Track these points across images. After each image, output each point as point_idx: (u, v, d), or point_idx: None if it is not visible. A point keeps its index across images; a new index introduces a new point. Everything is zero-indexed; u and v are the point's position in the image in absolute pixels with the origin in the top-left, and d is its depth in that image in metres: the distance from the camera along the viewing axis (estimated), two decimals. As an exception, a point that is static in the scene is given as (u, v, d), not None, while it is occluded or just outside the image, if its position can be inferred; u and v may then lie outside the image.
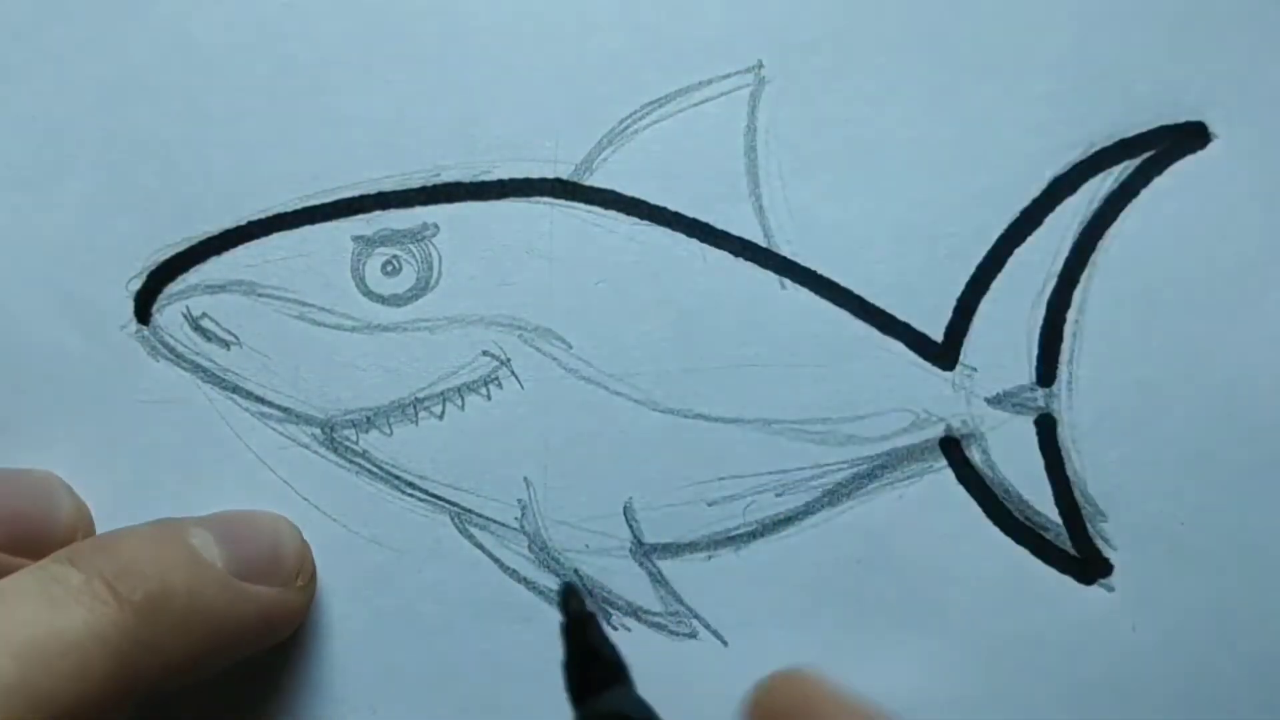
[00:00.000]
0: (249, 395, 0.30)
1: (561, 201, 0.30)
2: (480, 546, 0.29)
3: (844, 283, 0.29)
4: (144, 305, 0.30)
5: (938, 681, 0.29)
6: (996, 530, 0.29)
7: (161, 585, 0.24)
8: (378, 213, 0.30)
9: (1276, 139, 0.28)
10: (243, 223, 0.30)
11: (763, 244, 0.29)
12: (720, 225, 0.29)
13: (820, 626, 0.29)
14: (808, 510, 0.29)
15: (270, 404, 0.30)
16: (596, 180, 0.29)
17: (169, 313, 0.30)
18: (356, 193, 0.30)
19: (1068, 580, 0.29)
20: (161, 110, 0.30)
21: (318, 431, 0.30)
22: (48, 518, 0.28)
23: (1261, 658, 0.28)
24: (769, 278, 0.29)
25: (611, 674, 0.24)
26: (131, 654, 0.24)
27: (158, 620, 0.24)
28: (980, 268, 0.29)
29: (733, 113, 0.29)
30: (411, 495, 0.30)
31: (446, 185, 0.30)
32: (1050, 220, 0.29)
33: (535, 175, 0.30)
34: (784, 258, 0.29)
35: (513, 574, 0.29)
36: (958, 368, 0.29)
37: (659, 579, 0.29)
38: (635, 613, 0.29)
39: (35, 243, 0.30)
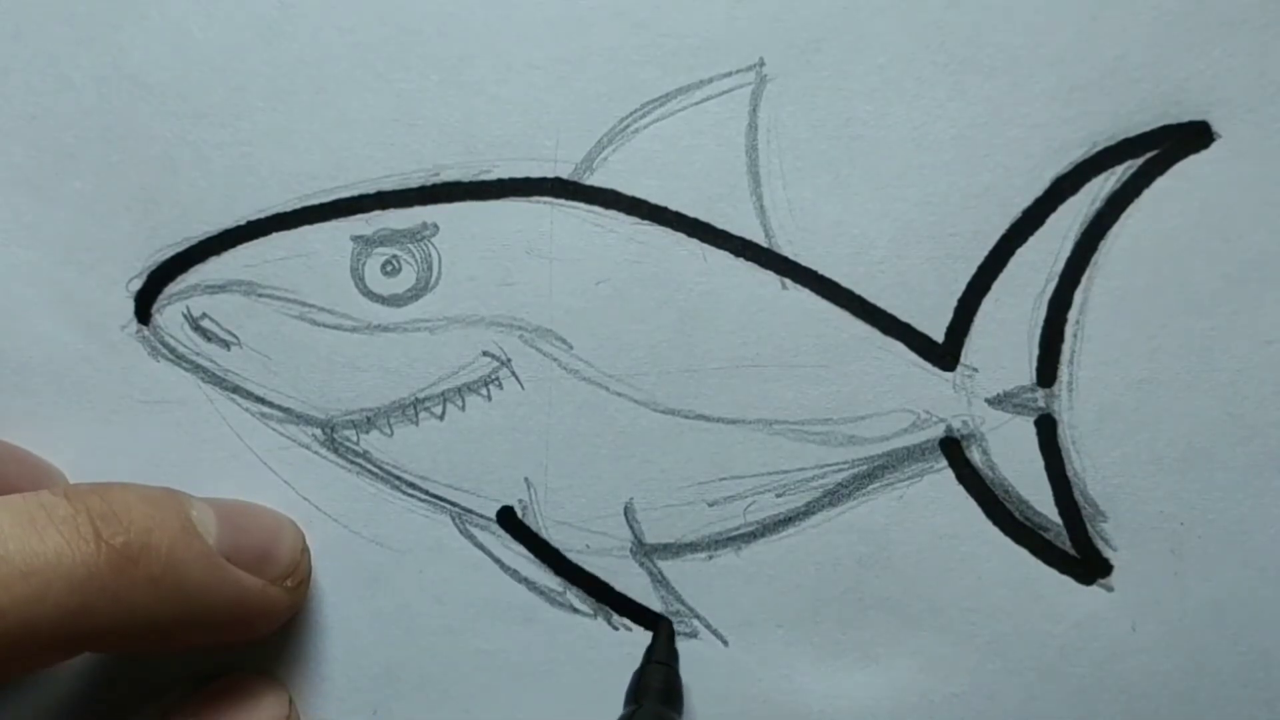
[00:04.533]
0: (249, 395, 0.30)
1: (562, 201, 0.29)
2: (481, 547, 0.30)
3: (845, 283, 0.29)
4: (144, 305, 0.30)
5: (938, 681, 0.29)
6: (996, 530, 0.29)
7: (144, 539, 0.24)
8: (377, 213, 0.30)
9: (1279, 139, 0.28)
10: (242, 223, 0.30)
11: (763, 244, 0.29)
12: (721, 225, 0.29)
13: (820, 626, 0.29)
14: (808, 510, 0.29)
15: (271, 404, 0.30)
16: (597, 180, 0.29)
17: (169, 313, 0.30)
18: (356, 193, 0.30)
19: (1068, 580, 0.29)
20: (161, 110, 0.30)
21: (318, 432, 0.30)
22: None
23: (1261, 658, 0.28)
24: (770, 278, 0.29)
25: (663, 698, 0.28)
26: (93, 597, 0.23)
27: (130, 572, 0.24)
28: (981, 268, 0.29)
29: (734, 111, 0.29)
30: (412, 495, 0.30)
31: (446, 185, 0.29)
32: (1052, 220, 0.29)
33: (535, 175, 0.29)
34: (785, 258, 0.29)
35: (513, 574, 0.30)
36: (958, 368, 0.29)
37: (659, 579, 0.29)
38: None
39: (35, 243, 0.30)
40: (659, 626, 0.29)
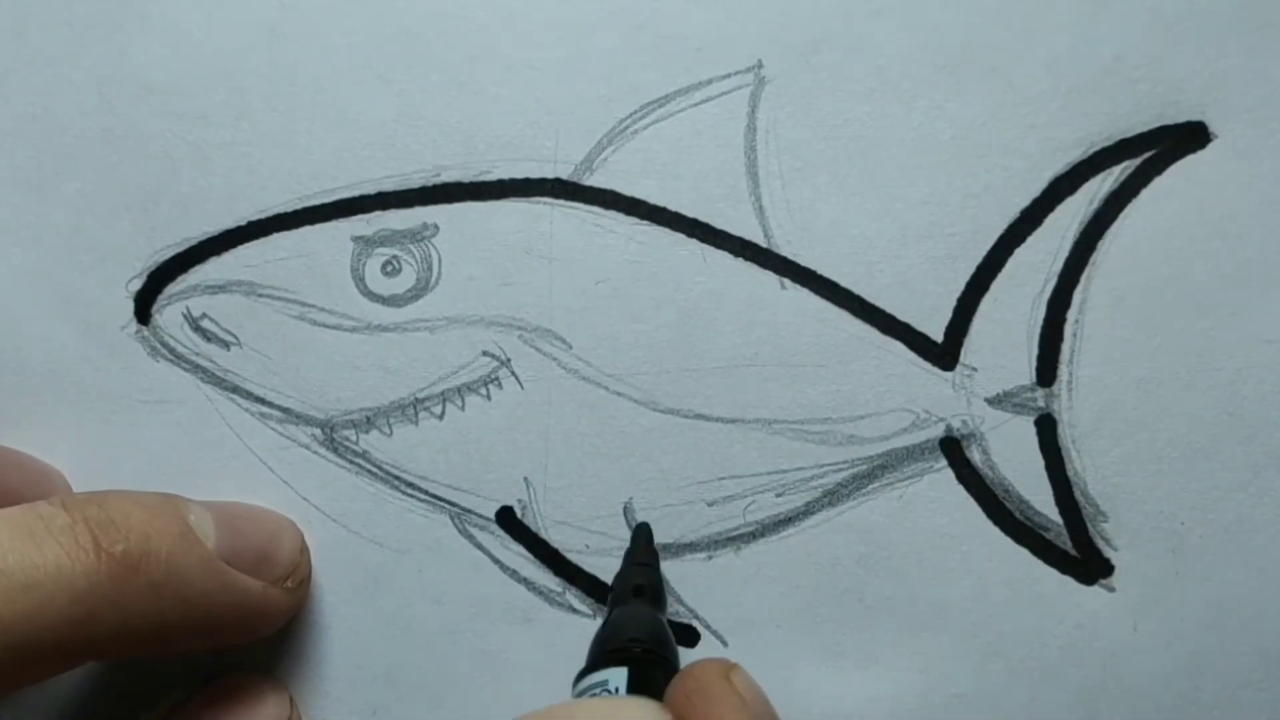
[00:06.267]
0: (249, 395, 0.30)
1: (561, 201, 0.30)
2: (480, 546, 0.30)
3: (844, 283, 0.29)
4: (144, 305, 0.30)
5: (938, 681, 0.29)
6: (997, 530, 0.29)
7: (143, 547, 0.24)
8: (378, 213, 0.30)
9: (1276, 139, 0.28)
10: (242, 223, 0.30)
11: (763, 244, 0.29)
12: (720, 225, 0.29)
13: (820, 626, 0.29)
14: (808, 510, 0.29)
15: (270, 404, 0.30)
16: (596, 180, 0.29)
17: (169, 313, 0.30)
18: (356, 193, 0.30)
19: (1068, 580, 0.29)
20: (162, 110, 0.30)
21: (318, 432, 0.30)
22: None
23: (1261, 658, 0.28)
24: (769, 278, 0.29)
25: (646, 597, 0.27)
26: (96, 607, 0.23)
27: (130, 580, 0.24)
28: (980, 268, 0.29)
29: (733, 113, 0.29)
30: (411, 495, 0.30)
31: (446, 185, 0.30)
32: (1050, 220, 0.29)
33: (535, 175, 0.30)
34: (784, 258, 0.29)
35: (513, 574, 0.29)
36: (958, 368, 0.29)
37: (659, 579, 0.29)
38: (635, 613, 0.29)
39: (35, 243, 0.30)
40: (636, 530, 0.29)
